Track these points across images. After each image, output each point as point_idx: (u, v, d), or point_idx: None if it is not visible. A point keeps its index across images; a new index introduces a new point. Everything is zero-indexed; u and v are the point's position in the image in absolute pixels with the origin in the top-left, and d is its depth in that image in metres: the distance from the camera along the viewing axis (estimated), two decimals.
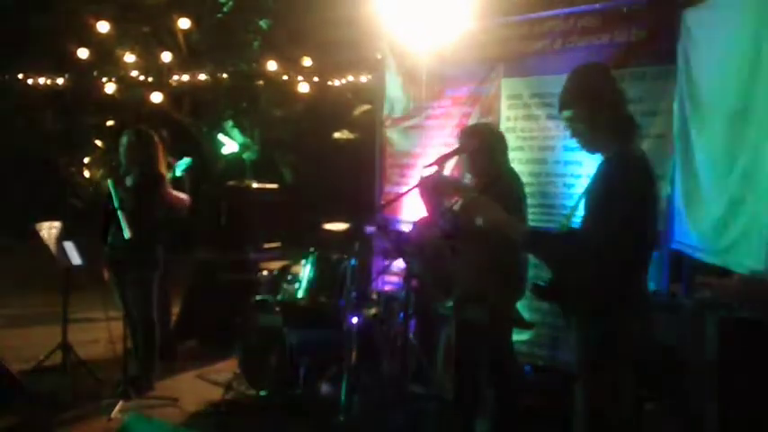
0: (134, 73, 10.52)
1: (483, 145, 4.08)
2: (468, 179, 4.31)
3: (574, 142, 5.15)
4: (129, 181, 5.24)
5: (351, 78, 9.88)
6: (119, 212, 4.94)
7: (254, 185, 7.73)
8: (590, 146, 3.07)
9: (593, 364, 2.89)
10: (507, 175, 4.19)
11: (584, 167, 5.08)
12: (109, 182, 5.13)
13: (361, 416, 4.30)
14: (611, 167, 2.91)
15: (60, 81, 11.19)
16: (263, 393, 5.01)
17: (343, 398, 4.42)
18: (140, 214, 5.09)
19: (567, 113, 3.04)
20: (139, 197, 5.15)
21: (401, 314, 4.52)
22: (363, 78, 9.42)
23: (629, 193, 2.85)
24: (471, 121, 5.77)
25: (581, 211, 3.02)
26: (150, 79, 10.46)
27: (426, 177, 4.24)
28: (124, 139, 5.32)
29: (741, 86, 3.95)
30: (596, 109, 2.93)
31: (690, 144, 4.41)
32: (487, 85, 5.67)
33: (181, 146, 6.86)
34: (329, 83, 10.15)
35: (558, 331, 5.16)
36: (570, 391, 4.65)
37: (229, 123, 11.46)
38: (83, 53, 10.25)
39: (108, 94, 10.67)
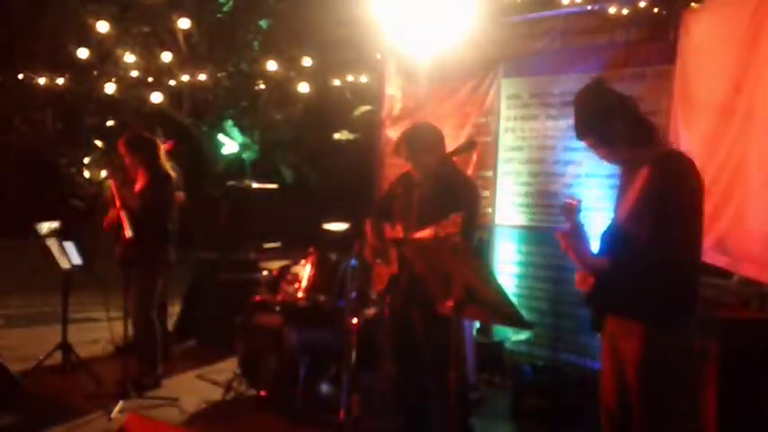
0: (134, 73, 10.51)
1: (426, 144, 4.08)
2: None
3: (574, 142, 5.20)
4: (137, 183, 5.25)
5: (351, 78, 9.87)
6: (121, 212, 4.96)
7: (254, 185, 7.73)
8: (619, 161, 3.07)
9: (661, 368, 2.86)
10: (460, 174, 4.23)
11: (583, 167, 5.09)
12: (111, 182, 5.14)
13: (361, 416, 4.30)
14: (668, 171, 2.83)
15: (60, 81, 11.18)
16: (263, 393, 5.01)
17: (343, 398, 4.41)
18: (144, 215, 5.10)
19: (585, 143, 3.04)
20: (145, 198, 5.15)
21: None
22: (363, 78, 9.41)
23: (697, 195, 2.86)
24: (471, 121, 5.78)
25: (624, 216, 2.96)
26: (150, 79, 10.45)
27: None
28: (120, 145, 5.33)
29: (731, 83, 4.01)
30: (610, 130, 2.93)
31: (678, 141, 4.45)
32: (487, 85, 5.67)
33: (180, 146, 6.84)
34: (329, 83, 10.14)
35: (559, 331, 5.17)
36: (571, 391, 4.68)
37: (229, 123, 11.46)
38: (83, 53, 10.25)
39: (108, 94, 10.66)
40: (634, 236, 2.83)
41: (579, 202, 2.96)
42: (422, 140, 4.07)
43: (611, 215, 3.09)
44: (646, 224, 2.79)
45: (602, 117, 2.95)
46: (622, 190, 3.06)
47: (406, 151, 4.08)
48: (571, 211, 2.94)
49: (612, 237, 2.97)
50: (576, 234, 2.93)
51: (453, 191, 3.90)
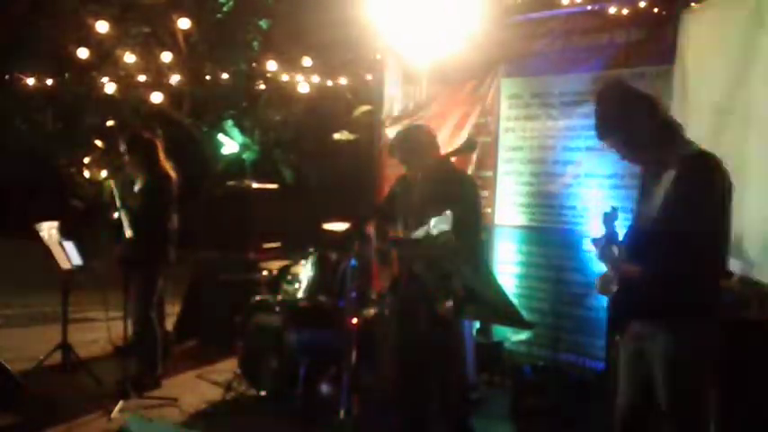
0: (134, 73, 10.52)
1: (418, 146, 4.11)
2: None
3: (574, 142, 5.23)
4: (137, 184, 5.26)
5: (351, 78, 9.87)
6: (121, 212, 4.96)
7: (254, 185, 7.73)
8: (643, 162, 3.02)
9: (691, 367, 2.84)
10: (457, 172, 4.24)
11: (583, 167, 5.09)
12: (111, 182, 5.14)
13: (361, 416, 4.30)
14: (697, 175, 2.79)
15: (60, 81, 11.19)
16: (263, 393, 5.01)
17: (343, 398, 4.42)
18: (144, 216, 5.11)
19: (606, 143, 2.99)
20: (146, 198, 5.16)
21: None
22: (363, 78, 9.41)
23: (726, 198, 2.82)
24: (471, 121, 5.78)
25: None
26: (150, 79, 10.45)
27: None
28: (121, 146, 5.35)
29: (729, 83, 4.02)
30: (636, 129, 2.88)
31: None
32: (487, 85, 5.67)
33: (181, 146, 6.83)
34: (329, 83, 10.14)
35: (559, 331, 5.17)
36: (571, 391, 4.68)
37: (229, 123, 11.46)
38: (83, 53, 10.24)
39: (108, 94, 10.66)
40: (664, 241, 2.78)
41: (617, 209, 2.91)
42: (414, 143, 4.11)
43: (635, 217, 3.03)
44: (676, 229, 2.75)
45: (628, 116, 2.89)
46: (646, 192, 2.99)
47: (400, 154, 4.13)
48: (610, 218, 2.88)
49: (640, 241, 2.91)
50: (612, 242, 2.88)
51: (450, 190, 3.91)
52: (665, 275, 2.79)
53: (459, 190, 3.97)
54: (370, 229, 4.46)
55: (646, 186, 3.02)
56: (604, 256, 2.89)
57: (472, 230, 3.84)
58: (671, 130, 2.92)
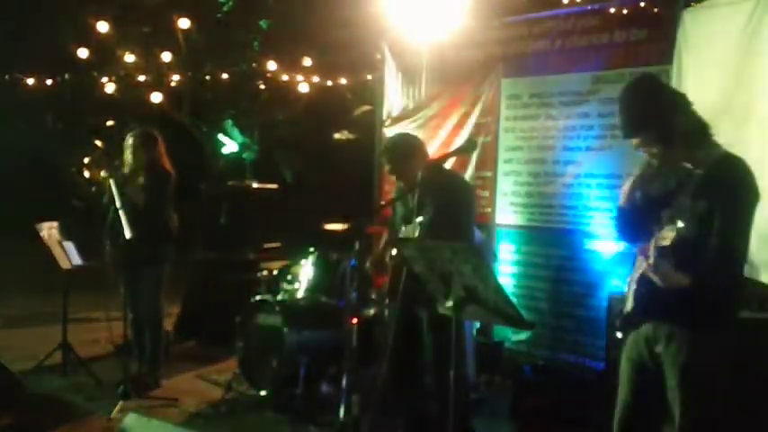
0: (134, 73, 10.51)
1: (402, 154, 4.17)
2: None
3: (573, 142, 5.22)
4: (139, 181, 5.25)
5: (351, 78, 9.87)
6: (120, 212, 4.96)
7: (254, 185, 7.73)
8: (670, 162, 2.91)
9: (705, 376, 2.82)
10: (444, 175, 4.26)
11: (583, 167, 5.09)
12: (111, 182, 5.14)
13: (361, 416, 4.30)
14: (729, 179, 2.75)
15: (60, 81, 11.18)
16: (263, 393, 5.01)
17: (343, 398, 4.42)
18: (148, 213, 5.11)
19: (636, 141, 2.89)
20: (149, 196, 5.16)
21: None
22: (363, 78, 9.41)
23: (755, 204, 2.78)
24: (471, 121, 5.78)
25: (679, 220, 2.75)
26: (150, 79, 10.45)
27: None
28: (129, 141, 5.34)
29: (728, 83, 4.02)
30: (670, 126, 2.79)
31: None
32: (487, 84, 5.67)
33: (181, 146, 6.83)
34: (329, 83, 10.14)
35: (559, 331, 5.17)
36: (571, 391, 4.68)
37: (229, 123, 11.47)
38: (83, 53, 10.24)
39: (108, 94, 10.65)
40: (693, 246, 2.72)
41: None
42: (400, 151, 4.16)
43: (652, 216, 2.92)
44: (707, 234, 2.70)
45: (662, 112, 2.80)
46: (667, 192, 2.93)
47: (388, 165, 4.18)
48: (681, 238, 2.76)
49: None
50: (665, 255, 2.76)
51: (436, 193, 3.94)
52: (693, 282, 2.72)
53: (434, 193, 3.98)
54: (372, 230, 4.48)
55: (665, 186, 2.94)
56: (658, 268, 2.75)
57: (444, 230, 3.83)
58: (701, 130, 2.85)
